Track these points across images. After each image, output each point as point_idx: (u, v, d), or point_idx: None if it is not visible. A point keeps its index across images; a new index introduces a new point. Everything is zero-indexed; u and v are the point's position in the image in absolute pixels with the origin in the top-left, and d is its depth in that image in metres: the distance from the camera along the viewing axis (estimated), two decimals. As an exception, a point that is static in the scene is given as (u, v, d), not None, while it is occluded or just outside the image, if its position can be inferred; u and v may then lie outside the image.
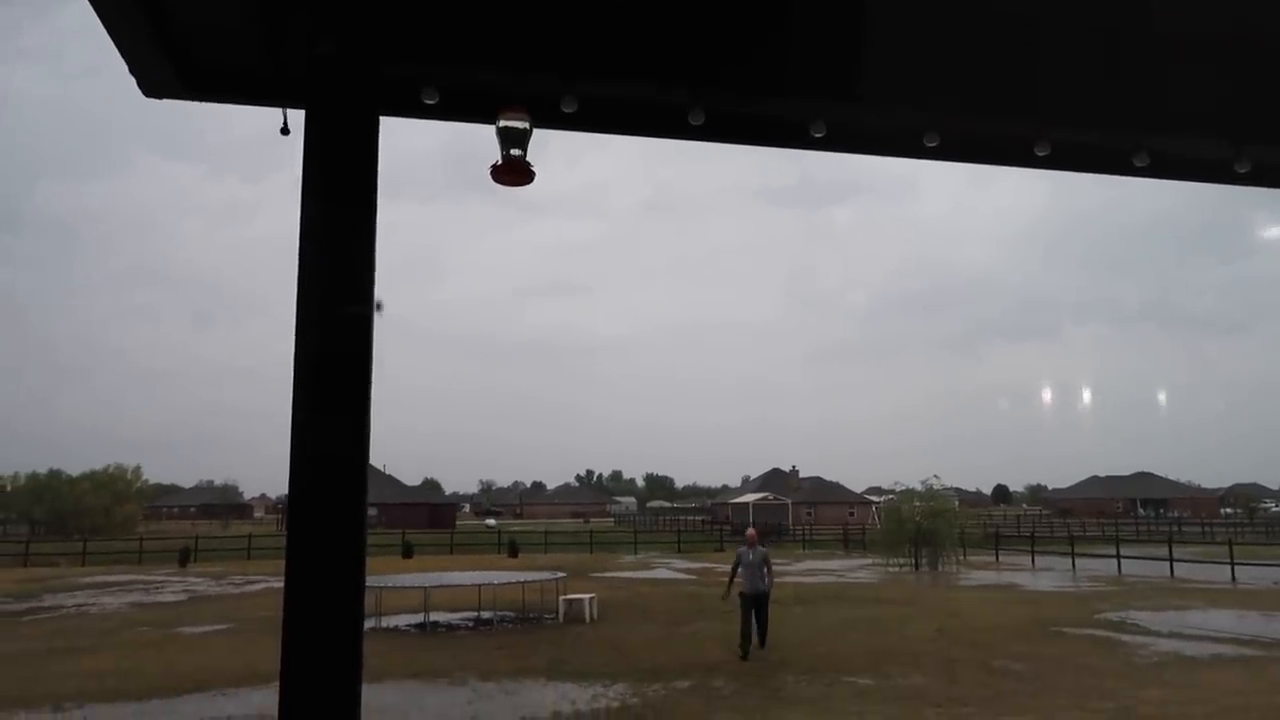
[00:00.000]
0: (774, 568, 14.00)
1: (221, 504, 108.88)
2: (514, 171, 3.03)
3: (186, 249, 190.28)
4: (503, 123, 3.03)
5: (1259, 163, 3.50)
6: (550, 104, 3.11)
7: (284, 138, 3.22)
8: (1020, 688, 10.82)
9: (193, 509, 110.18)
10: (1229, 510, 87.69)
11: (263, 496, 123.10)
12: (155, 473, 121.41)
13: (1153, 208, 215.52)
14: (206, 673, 11.95)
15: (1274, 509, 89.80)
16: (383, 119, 3.16)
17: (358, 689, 2.91)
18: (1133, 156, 3.36)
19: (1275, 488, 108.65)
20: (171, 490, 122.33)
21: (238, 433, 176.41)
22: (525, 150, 3.03)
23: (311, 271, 3.02)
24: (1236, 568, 26.83)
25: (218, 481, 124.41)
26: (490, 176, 3.06)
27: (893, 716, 9.31)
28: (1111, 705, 9.74)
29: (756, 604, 12.93)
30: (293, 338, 2.98)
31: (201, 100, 3.33)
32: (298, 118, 3.17)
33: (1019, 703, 9.95)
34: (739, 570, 13.47)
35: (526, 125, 3.03)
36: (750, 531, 14.41)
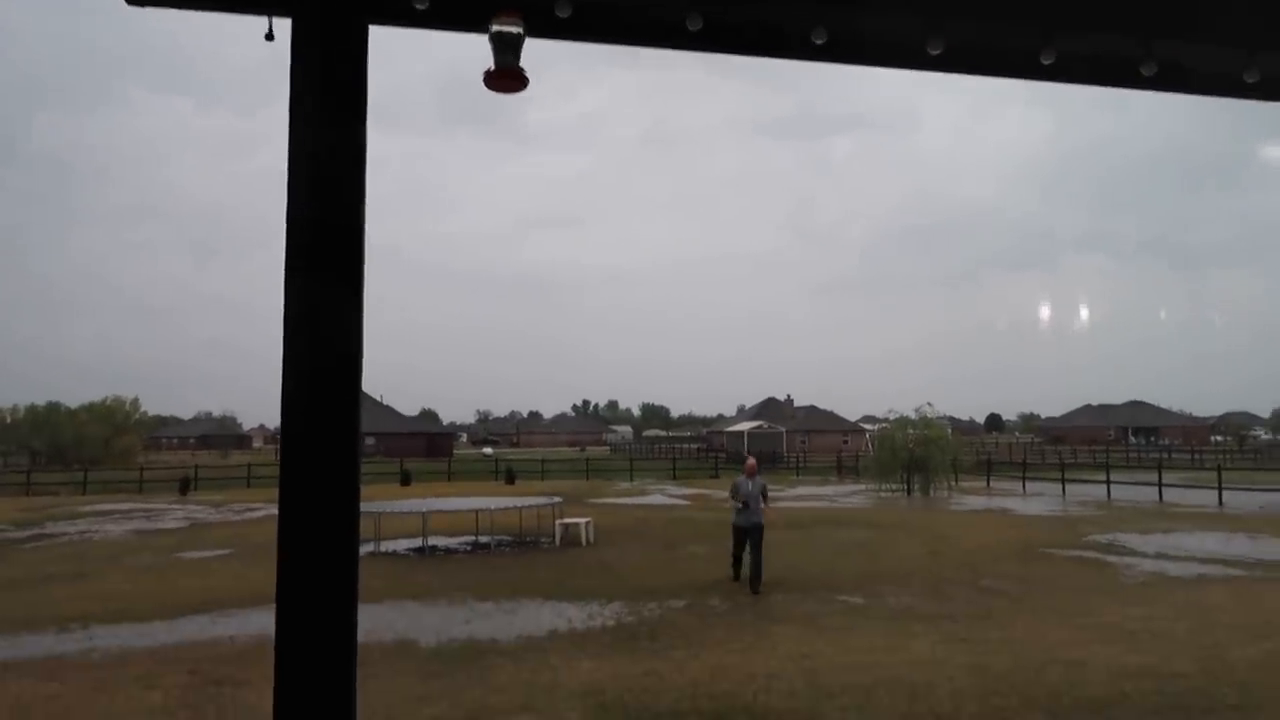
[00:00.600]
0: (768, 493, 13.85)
1: (220, 435, 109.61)
2: (507, 77, 2.96)
3: (186, 183, 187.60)
4: (496, 28, 2.94)
5: (1269, 74, 3.43)
6: (544, 9, 3.02)
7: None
8: (1008, 606, 11.05)
9: (191, 440, 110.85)
10: (1219, 438, 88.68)
11: (261, 428, 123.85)
12: (153, 407, 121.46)
13: (1156, 139, 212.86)
14: (208, 595, 12.15)
15: (1264, 436, 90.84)
16: (374, 30, 3.07)
17: (353, 607, 2.95)
18: (1141, 65, 3.29)
19: (1266, 416, 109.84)
20: (170, 422, 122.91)
21: (235, 367, 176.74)
22: (519, 57, 2.95)
23: (302, 187, 2.97)
24: (1224, 492, 27.25)
25: (216, 413, 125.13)
26: (483, 83, 2.98)
27: (883, 633, 9.52)
28: (1096, 621, 9.98)
29: (750, 536, 12.47)
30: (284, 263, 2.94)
31: (186, 7, 3.21)
32: (285, 29, 3.07)
33: (1006, 620, 10.17)
34: (735, 498, 13.03)
35: (520, 30, 2.95)
36: (750, 462, 13.74)
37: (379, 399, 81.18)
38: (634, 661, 8.33)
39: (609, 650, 8.85)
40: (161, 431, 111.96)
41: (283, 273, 2.90)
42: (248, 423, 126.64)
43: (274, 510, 2.90)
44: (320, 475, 2.86)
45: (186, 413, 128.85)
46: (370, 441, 67.36)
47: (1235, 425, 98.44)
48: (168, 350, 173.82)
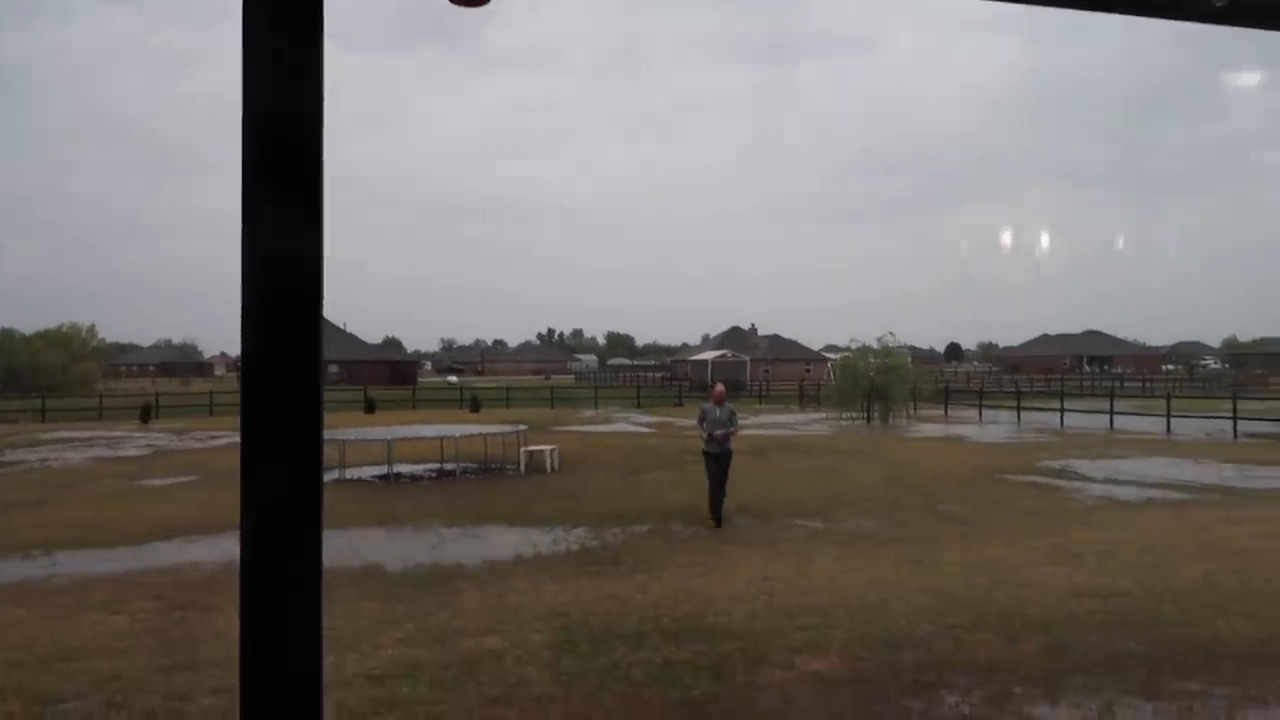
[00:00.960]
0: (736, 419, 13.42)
1: (181, 362, 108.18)
2: (468, -9, 2.86)
3: (139, 100, 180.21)
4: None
5: None
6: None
7: None
8: (962, 529, 11.38)
9: (151, 367, 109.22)
10: (1170, 367, 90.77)
11: (222, 355, 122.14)
12: (111, 333, 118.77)
13: (1123, 65, 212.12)
14: (172, 522, 12.11)
15: (1213, 366, 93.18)
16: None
17: (318, 533, 2.96)
18: (1109, -10, 3.26)
19: (1217, 346, 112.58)
20: (129, 348, 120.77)
21: (195, 294, 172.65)
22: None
23: (257, 105, 2.88)
24: (1172, 420, 28.04)
25: (176, 340, 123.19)
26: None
27: (841, 556, 9.77)
28: (1046, 543, 10.31)
29: (719, 463, 12.18)
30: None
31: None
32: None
33: (960, 542, 10.48)
34: (704, 425, 12.65)
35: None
36: (719, 388, 13.17)
37: (342, 326, 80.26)
38: (597, 585, 8.48)
39: (573, 574, 9.00)
40: (120, 358, 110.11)
41: (239, 196, 2.83)
42: (209, 350, 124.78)
43: (237, 438, 2.88)
44: (282, 402, 2.84)
45: (145, 339, 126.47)
46: (334, 369, 66.85)
47: (1186, 355, 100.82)
48: (126, 276, 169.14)
